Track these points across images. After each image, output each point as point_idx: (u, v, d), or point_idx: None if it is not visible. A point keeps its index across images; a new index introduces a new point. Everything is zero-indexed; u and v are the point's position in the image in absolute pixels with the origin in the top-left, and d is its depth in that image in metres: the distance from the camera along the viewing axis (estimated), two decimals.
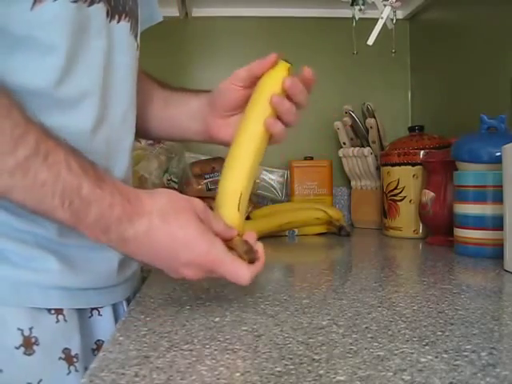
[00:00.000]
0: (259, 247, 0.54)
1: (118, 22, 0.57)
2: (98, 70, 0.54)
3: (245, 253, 0.55)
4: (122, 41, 0.58)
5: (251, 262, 0.54)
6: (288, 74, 0.57)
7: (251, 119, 0.58)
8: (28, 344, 0.51)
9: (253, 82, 0.60)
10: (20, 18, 0.48)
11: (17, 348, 0.50)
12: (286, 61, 0.59)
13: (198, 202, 0.51)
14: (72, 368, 0.54)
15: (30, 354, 0.51)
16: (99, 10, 0.53)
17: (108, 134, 0.57)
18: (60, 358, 0.54)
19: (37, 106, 0.49)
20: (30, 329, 0.51)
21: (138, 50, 0.63)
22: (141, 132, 0.70)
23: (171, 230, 0.48)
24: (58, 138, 0.46)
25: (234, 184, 0.56)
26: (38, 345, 0.51)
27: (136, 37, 0.62)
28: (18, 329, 0.51)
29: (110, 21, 0.55)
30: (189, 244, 0.48)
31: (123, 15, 0.58)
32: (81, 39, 0.51)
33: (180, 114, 0.71)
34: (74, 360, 0.55)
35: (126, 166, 0.62)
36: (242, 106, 0.62)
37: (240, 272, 0.50)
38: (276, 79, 0.58)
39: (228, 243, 0.55)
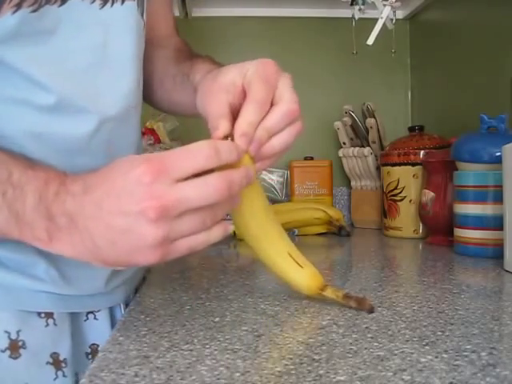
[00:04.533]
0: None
1: (123, 3, 0.51)
2: (86, 71, 0.50)
3: (343, 298, 0.52)
4: (126, 24, 0.53)
5: (362, 307, 0.51)
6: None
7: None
8: (14, 347, 0.50)
9: None
10: None
11: (2, 351, 0.50)
12: None
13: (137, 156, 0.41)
14: (59, 373, 0.53)
15: (15, 358, 0.50)
16: (77, 5, 0.47)
17: (109, 132, 0.53)
18: (47, 363, 0.53)
19: (28, 116, 0.47)
20: (18, 332, 0.51)
21: (145, 28, 0.58)
22: (147, 101, 0.66)
23: (106, 175, 0.40)
24: None
25: (277, 251, 0.53)
26: (24, 348, 0.51)
27: (142, 14, 0.56)
28: (5, 331, 0.50)
29: (111, 5, 0.50)
30: (109, 193, 0.39)
31: None
32: (52, 45, 0.47)
33: (184, 105, 0.62)
34: (63, 365, 0.54)
35: None
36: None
37: (195, 147, 0.40)
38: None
39: (321, 294, 0.53)
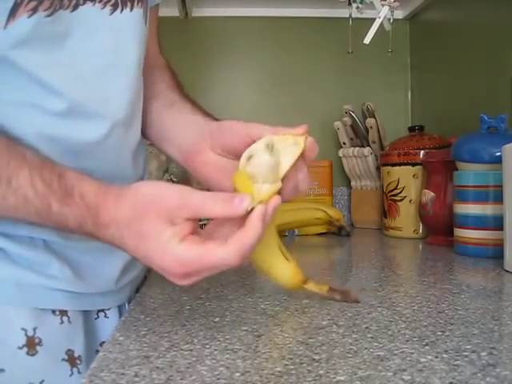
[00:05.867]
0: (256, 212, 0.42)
1: (132, 9, 0.52)
2: (97, 75, 0.51)
3: (328, 291, 0.54)
4: (135, 30, 0.53)
5: (347, 299, 0.53)
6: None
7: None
8: (31, 344, 0.51)
9: None
10: None
11: (20, 348, 0.50)
12: None
13: (169, 199, 0.42)
14: (75, 370, 0.54)
15: (32, 355, 0.51)
16: (88, 10, 0.49)
17: (117, 136, 0.54)
18: (63, 360, 0.54)
19: (40, 120, 0.48)
20: (34, 329, 0.51)
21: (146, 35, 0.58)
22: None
23: (134, 243, 0.43)
24: (21, 154, 0.44)
25: (267, 243, 0.53)
26: (41, 345, 0.51)
27: (146, 21, 0.57)
28: (22, 329, 0.51)
29: (121, 11, 0.51)
30: (147, 257, 0.43)
31: (136, 1, 0.53)
32: (64, 51, 0.48)
33: (175, 134, 0.60)
34: (77, 362, 0.55)
35: (133, 165, 0.59)
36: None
37: (225, 257, 0.41)
38: None
39: (302, 287, 0.54)
